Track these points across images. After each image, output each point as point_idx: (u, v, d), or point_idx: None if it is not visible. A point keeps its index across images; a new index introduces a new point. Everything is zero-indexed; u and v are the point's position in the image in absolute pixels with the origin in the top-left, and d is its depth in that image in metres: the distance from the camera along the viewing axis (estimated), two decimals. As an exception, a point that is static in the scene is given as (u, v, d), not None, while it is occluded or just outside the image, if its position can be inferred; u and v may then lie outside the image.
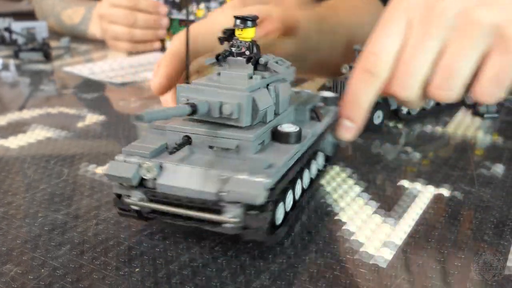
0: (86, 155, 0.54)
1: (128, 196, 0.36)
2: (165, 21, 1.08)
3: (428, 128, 0.64)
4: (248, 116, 0.36)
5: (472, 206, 0.43)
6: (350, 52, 0.71)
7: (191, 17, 1.08)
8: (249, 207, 0.33)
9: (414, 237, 0.39)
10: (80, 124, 0.65)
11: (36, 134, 0.61)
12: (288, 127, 0.39)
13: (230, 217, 0.34)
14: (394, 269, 0.35)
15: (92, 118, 0.67)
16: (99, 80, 0.88)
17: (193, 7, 1.08)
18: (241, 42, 0.40)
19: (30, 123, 0.65)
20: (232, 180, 0.33)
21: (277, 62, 0.40)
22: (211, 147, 0.37)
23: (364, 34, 0.80)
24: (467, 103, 0.70)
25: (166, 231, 0.39)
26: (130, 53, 1.09)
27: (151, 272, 0.34)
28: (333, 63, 0.53)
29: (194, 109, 0.35)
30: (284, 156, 0.36)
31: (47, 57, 1.03)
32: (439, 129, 0.64)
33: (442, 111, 0.70)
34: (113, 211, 0.42)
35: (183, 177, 0.35)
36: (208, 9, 1.06)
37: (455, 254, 0.36)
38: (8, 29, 1.04)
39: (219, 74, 0.40)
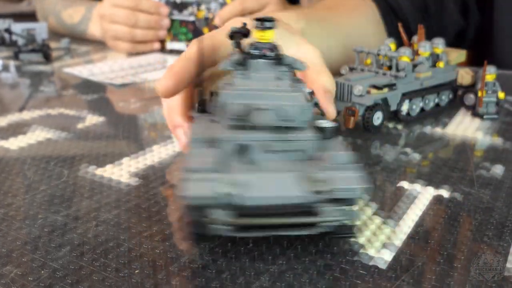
0: (86, 156, 0.54)
1: (207, 217, 0.33)
2: (166, 22, 1.08)
3: (428, 129, 0.64)
4: (305, 116, 0.37)
5: (471, 207, 0.44)
6: (347, 53, 0.71)
7: (192, 18, 1.08)
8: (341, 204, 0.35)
9: (414, 239, 0.39)
10: (80, 125, 0.65)
11: (36, 135, 0.61)
12: (326, 123, 0.39)
13: (328, 217, 0.34)
14: (394, 270, 0.35)
15: (92, 119, 0.67)
16: (99, 81, 0.88)
17: (193, 8, 1.08)
18: (263, 44, 0.39)
19: (30, 124, 0.65)
20: (332, 179, 0.34)
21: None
22: (270, 151, 0.36)
23: (360, 35, 0.80)
24: (466, 104, 0.70)
25: (166, 233, 0.39)
26: (130, 54, 1.09)
27: (150, 273, 0.34)
28: (331, 65, 0.53)
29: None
30: (347, 151, 0.36)
31: (47, 58, 1.03)
32: (438, 130, 0.64)
33: (441, 112, 0.70)
34: (113, 213, 0.42)
35: (269, 185, 0.34)
36: (208, 10, 1.06)
37: (455, 256, 0.36)
38: (8, 30, 1.04)
39: (243, 77, 0.39)
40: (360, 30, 0.82)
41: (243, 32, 0.40)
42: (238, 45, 0.40)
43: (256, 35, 0.39)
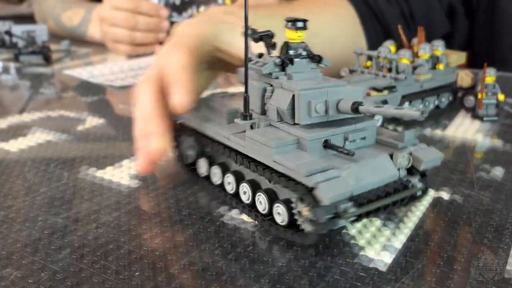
0: (86, 158, 0.54)
1: (337, 213, 0.35)
2: (165, 24, 1.08)
3: (428, 131, 0.64)
4: None
5: (471, 209, 0.43)
6: (332, 54, 0.71)
7: None
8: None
9: (414, 241, 0.39)
10: (80, 127, 0.65)
11: (37, 137, 0.61)
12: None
13: (417, 187, 0.39)
14: (394, 272, 0.35)
15: (92, 121, 0.67)
16: (99, 83, 0.88)
17: (193, 10, 1.08)
18: (297, 43, 0.40)
19: (30, 126, 0.65)
20: (420, 153, 0.38)
21: None
22: (348, 141, 0.38)
23: (329, 35, 0.79)
24: (466, 106, 0.70)
25: (166, 235, 0.39)
26: (130, 56, 1.10)
27: (150, 276, 0.34)
28: None
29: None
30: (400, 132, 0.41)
31: (47, 60, 1.03)
32: (438, 132, 0.64)
33: (441, 114, 0.70)
34: (113, 215, 0.42)
35: (374, 171, 0.37)
36: None
37: (455, 258, 0.36)
38: (8, 32, 1.04)
39: (288, 77, 0.40)
40: (328, 30, 0.80)
41: (270, 35, 0.41)
42: (273, 46, 0.41)
43: (289, 36, 0.40)
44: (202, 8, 1.07)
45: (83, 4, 1.24)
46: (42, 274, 0.34)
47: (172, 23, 1.09)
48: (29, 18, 1.38)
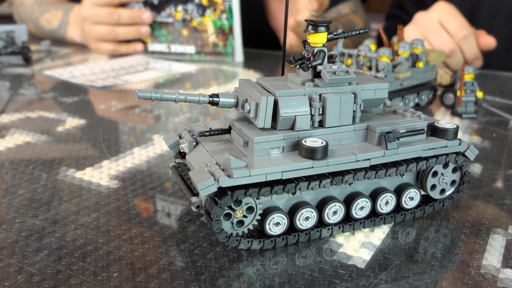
0: (65, 159, 0.54)
1: None
2: (147, 15, 1.06)
3: (408, 128, 0.64)
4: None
5: (450, 205, 0.44)
6: None
7: (170, 20, 1.07)
8: None
9: (392, 237, 0.39)
10: (60, 128, 0.64)
11: (15, 139, 0.60)
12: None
13: None
14: (372, 269, 0.35)
15: (72, 122, 0.67)
16: (80, 83, 0.87)
17: (171, 10, 1.07)
18: (310, 47, 0.40)
19: (9, 127, 0.64)
20: None
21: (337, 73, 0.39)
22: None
23: None
24: (446, 103, 0.71)
25: (146, 235, 0.39)
26: (112, 56, 1.09)
27: (129, 277, 0.34)
28: None
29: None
30: None
31: (27, 61, 1.02)
32: (418, 129, 0.64)
33: (421, 111, 0.70)
34: (92, 216, 0.42)
35: None
36: (185, 11, 1.06)
37: (433, 254, 0.37)
38: (-13, 33, 1.03)
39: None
40: None
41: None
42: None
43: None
44: (179, 8, 1.06)
45: (60, 6, 1.23)
46: (19, 276, 0.34)
47: (152, 23, 1.08)
48: (9, 18, 1.36)
